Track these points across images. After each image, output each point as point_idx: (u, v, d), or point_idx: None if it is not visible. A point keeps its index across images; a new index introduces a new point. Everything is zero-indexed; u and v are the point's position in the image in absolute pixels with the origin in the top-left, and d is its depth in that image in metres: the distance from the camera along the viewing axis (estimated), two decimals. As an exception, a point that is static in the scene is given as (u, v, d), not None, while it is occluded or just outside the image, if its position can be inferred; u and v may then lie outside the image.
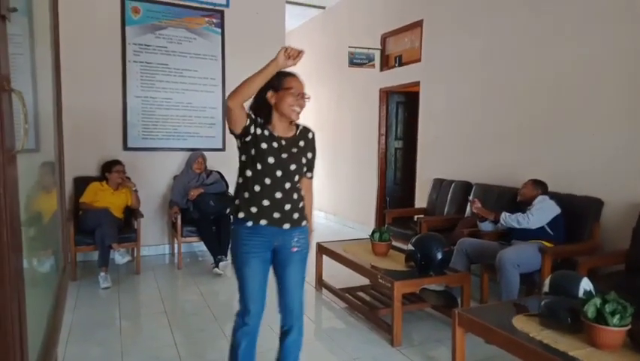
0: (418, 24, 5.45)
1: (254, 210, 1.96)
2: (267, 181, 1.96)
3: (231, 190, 4.93)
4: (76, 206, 4.41)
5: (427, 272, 3.07)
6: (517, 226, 3.38)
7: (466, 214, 4.45)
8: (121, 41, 4.80)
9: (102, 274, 4.02)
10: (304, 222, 2.08)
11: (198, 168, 4.81)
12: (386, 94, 6.18)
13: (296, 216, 2.02)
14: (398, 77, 5.85)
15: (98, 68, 4.71)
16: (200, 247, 4.89)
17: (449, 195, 4.80)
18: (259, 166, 1.96)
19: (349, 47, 5.97)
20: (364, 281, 3.69)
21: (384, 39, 6.10)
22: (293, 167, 1.99)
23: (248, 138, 1.96)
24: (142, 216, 4.45)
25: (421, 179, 5.59)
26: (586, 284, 2.29)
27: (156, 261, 4.90)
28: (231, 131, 1.99)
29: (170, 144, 5.09)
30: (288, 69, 1.93)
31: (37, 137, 1.31)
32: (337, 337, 2.85)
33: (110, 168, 4.43)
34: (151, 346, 2.90)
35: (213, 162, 5.08)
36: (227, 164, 5.23)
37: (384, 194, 6.37)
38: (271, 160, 1.95)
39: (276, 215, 1.97)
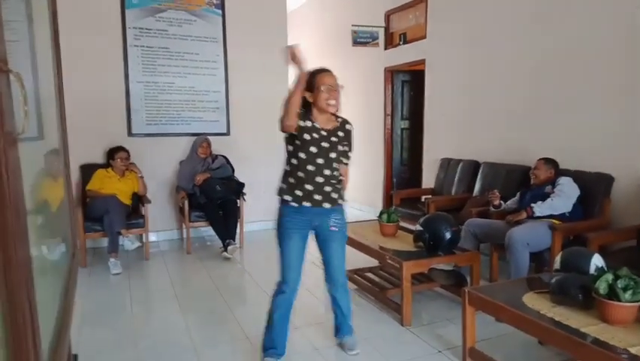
0: (423, 0, 5.34)
1: (299, 193, 2.24)
2: (310, 168, 2.23)
3: (237, 175, 4.97)
4: (83, 193, 4.43)
5: (436, 252, 3.06)
6: (555, 213, 3.27)
7: (474, 193, 4.42)
8: (121, 25, 4.75)
9: (112, 260, 4.05)
10: (341, 202, 2.36)
11: (203, 152, 4.79)
12: (391, 73, 6.10)
13: (335, 196, 2.30)
14: (403, 55, 5.77)
15: (99, 53, 4.67)
16: (209, 231, 4.90)
17: (457, 175, 4.77)
18: (303, 155, 2.22)
19: (352, 25, 5.87)
20: (373, 262, 3.70)
21: (387, 16, 5.99)
22: (332, 155, 2.27)
23: (294, 132, 2.21)
24: (149, 202, 4.46)
25: (427, 159, 5.55)
26: (597, 260, 2.28)
27: (165, 246, 4.93)
28: (285, 133, 2.23)
29: (175, 129, 5.07)
30: (319, 66, 2.27)
31: (40, 125, 1.30)
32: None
33: (113, 155, 4.42)
34: (163, 330, 2.93)
35: (218, 146, 5.06)
36: (232, 148, 5.22)
37: (391, 175, 6.34)
38: (313, 149, 2.22)
39: (317, 197, 2.25)
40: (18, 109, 0.67)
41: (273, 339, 2.39)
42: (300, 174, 2.24)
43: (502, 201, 3.64)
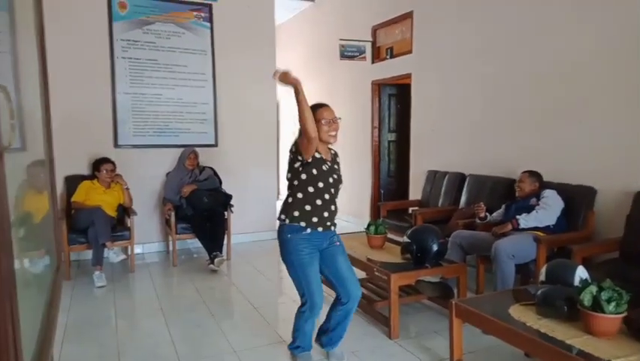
0: (409, 15, 5.43)
1: (315, 220, 2.36)
2: (327, 196, 2.38)
3: (224, 186, 4.96)
4: (68, 205, 4.37)
5: (423, 264, 3.07)
6: (540, 225, 3.30)
7: (460, 205, 4.46)
8: (108, 37, 4.74)
9: (97, 272, 3.99)
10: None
11: (191, 164, 4.77)
12: (378, 86, 6.17)
13: (337, 220, 2.51)
14: (390, 69, 5.84)
15: (86, 64, 4.65)
16: (195, 243, 4.86)
17: (443, 187, 4.81)
18: (321, 185, 2.36)
19: (340, 39, 5.94)
20: (361, 274, 3.68)
21: (374, 31, 6.08)
22: (339, 186, 2.47)
23: (310, 160, 2.33)
24: (135, 213, 4.41)
25: (414, 171, 5.59)
26: (581, 272, 2.31)
27: (151, 258, 4.87)
28: (300, 159, 2.33)
29: (162, 141, 5.04)
30: (317, 101, 2.40)
31: (23, 136, 1.28)
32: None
33: (98, 167, 4.37)
34: (148, 344, 2.88)
35: (206, 158, 5.05)
36: (220, 160, 5.21)
37: (379, 187, 6.37)
38: (330, 180, 2.39)
39: (328, 223, 2.42)
40: (4, 122, 0.67)
41: (301, 347, 2.59)
42: (318, 202, 2.36)
43: (487, 214, 3.68)
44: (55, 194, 1.83)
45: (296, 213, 2.37)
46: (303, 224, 2.35)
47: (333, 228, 2.45)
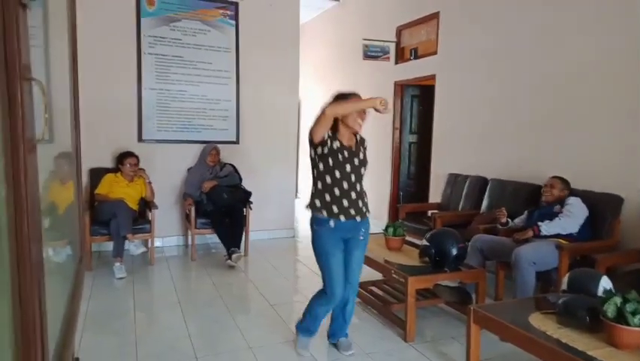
0: (435, 16, 5.38)
1: (335, 209, 2.41)
2: (345, 185, 2.41)
3: (245, 183, 4.99)
4: (91, 197, 4.46)
5: (442, 268, 3.04)
6: (563, 232, 3.24)
7: (481, 210, 4.40)
8: (136, 33, 4.82)
9: (117, 264, 4.06)
10: (368, 214, 2.55)
11: (212, 160, 4.82)
12: (401, 87, 6.13)
13: (364, 209, 2.51)
14: (413, 70, 5.79)
15: (114, 60, 4.74)
16: (214, 238, 4.91)
17: (464, 191, 4.75)
18: (338, 174, 2.39)
19: (364, 39, 5.91)
20: (378, 276, 3.68)
21: (399, 31, 6.03)
22: (362, 171, 2.48)
23: (325, 151, 2.38)
24: (156, 207, 4.48)
25: (435, 174, 5.54)
26: (605, 282, 2.25)
27: (170, 252, 4.94)
28: (310, 140, 2.40)
29: (185, 137, 5.11)
30: (350, 90, 2.50)
31: (51, 128, 1.31)
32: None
33: (122, 161, 4.45)
34: (165, 336, 2.93)
35: (227, 154, 5.09)
36: (241, 157, 5.25)
37: (398, 189, 6.33)
38: (348, 168, 2.41)
39: (352, 211, 2.43)
40: (39, 116, 0.69)
41: (307, 328, 2.69)
42: (336, 191, 2.41)
43: (509, 219, 3.62)
44: (81, 186, 1.87)
45: (318, 204, 2.44)
46: (325, 213, 2.41)
47: (359, 217, 2.46)
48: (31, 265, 0.59)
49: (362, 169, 2.48)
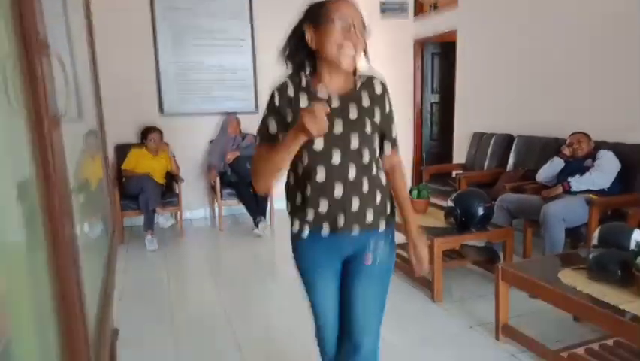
0: (454, -32, 5.15)
1: (310, 217, 1.40)
2: (321, 175, 1.35)
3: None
4: (119, 173, 4.56)
5: (468, 228, 3.02)
6: (594, 188, 3.15)
7: (507, 168, 4.32)
8: (149, 3, 4.78)
9: (148, 237, 4.18)
10: (384, 224, 1.46)
11: (233, 131, 4.83)
12: (421, 45, 5.95)
13: (370, 216, 1.40)
14: (433, 25, 5.60)
15: (129, 32, 4.73)
16: (240, 209, 4.98)
17: (489, 149, 4.66)
18: (305, 158, 1.36)
19: (380, -5, 5.73)
20: (403, 239, 3.68)
21: (417, -13, 5.81)
22: (355, 142, 1.35)
23: (289, 118, 1.39)
24: (182, 180, 4.55)
25: (459, 134, 5.43)
26: (638, 236, 2.21)
27: (198, 224, 5.05)
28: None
29: (205, 109, 5.12)
30: None
31: (79, 106, 1.33)
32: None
33: (146, 136, 4.51)
34: (199, 305, 3.03)
35: (247, 124, 5.09)
36: (262, 126, 5.24)
37: (421, 150, 6.25)
38: (319, 144, 1.32)
39: (340, 219, 1.37)
40: (60, 91, 0.69)
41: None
42: (309, 187, 1.37)
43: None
44: (108, 162, 1.90)
45: (289, 207, 1.50)
46: (295, 227, 1.46)
47: (357, 228, 1.39)
48: (65, 239, 0.61)
49: (354, 138, 1.35)
